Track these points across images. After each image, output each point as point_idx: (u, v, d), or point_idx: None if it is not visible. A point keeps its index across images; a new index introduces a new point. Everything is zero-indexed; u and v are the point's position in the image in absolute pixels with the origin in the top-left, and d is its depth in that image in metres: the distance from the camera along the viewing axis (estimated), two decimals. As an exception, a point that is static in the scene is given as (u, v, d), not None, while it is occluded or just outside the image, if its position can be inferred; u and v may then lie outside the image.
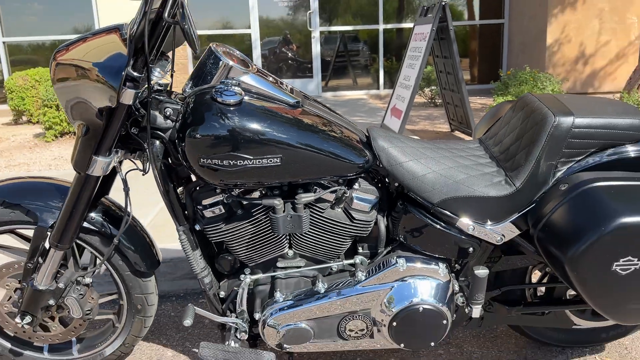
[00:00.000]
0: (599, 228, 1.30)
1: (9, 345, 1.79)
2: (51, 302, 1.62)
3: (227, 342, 1.57)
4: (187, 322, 1.50)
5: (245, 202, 1.52)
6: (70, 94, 1.35)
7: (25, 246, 1.73)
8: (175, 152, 1.48)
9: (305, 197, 1.48)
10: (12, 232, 1.68)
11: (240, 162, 1.37)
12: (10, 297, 1.68)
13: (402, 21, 8.69)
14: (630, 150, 1.49)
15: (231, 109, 1.37)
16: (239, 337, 1.57)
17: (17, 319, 1.62)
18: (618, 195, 1.34)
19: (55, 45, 8.47)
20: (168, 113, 1.45)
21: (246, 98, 1.40)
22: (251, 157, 1.37)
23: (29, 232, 1.74)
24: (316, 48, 8.67)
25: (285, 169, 1.41)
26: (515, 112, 1.65)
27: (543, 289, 1.88)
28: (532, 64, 7.75)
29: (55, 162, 4.54)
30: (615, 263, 1.32)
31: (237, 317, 1.57)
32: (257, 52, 8.60)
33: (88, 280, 1.66)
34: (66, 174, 4.10)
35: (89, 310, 1.67)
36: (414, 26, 5.04)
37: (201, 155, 1.37)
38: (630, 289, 1.36)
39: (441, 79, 5.07)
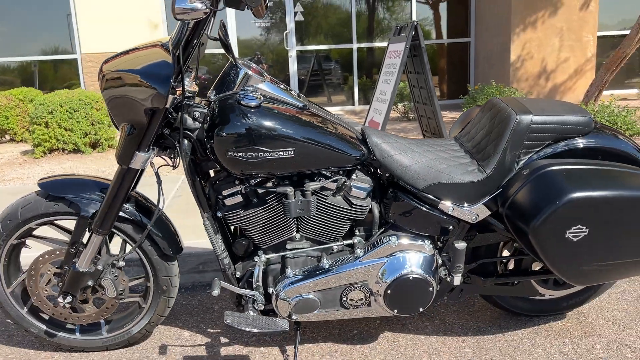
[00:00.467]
0: (554, 202, 1.61)
1: (44, 327, 2.00)
2: (90, 282, 1.85)
3: (225, 313, 1.81)
4: (215, 292, 1.75)
5: (260, 191, 1.78)
6: (118, 99, 1.60)
7: (63, 236, 1.96)
8: (201, 149, 1.74)
9: (313, 185, 1.76)
10: (51, 223, 1.90)
11: (260, 155, 1.64)
12: (50, 281, 1.90)
13: (374, 40, 9.11)
14: (579, 142, 1.82)
15: (252, 110, 1.64)
16: (256, 307, 1.82)
17: (60, 299, 1.85)
18: (568, 177, 1.66)
19: (24, 65, 8.63)
20: (196, 116, 1.72)
21: (264, 102, 1.67)
22: (270, 150, 1.64)
23: (65, 223, 1.97)
24: (293, 67, 9.00)
25: (297, 160, 1.69)
26: (484, 113, 1.97)
27: (512, 263, 2.17)
28: (497, 79, 8.24)
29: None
30: (568, 231, 1.63)
31: (255, 291, 1.82)
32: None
33: (121, 263, 1.90)
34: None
35: (121, 290, 1.90)
36: (388, 44, 5.40)
37: (228, 149, 1.63)
38: (581, 253, 1.67)
39: (414, 93, 5.42)
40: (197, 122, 1.73)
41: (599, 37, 8.47)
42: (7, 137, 7.13)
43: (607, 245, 1.66)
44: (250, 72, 1.72)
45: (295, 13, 8.86)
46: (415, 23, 4.78)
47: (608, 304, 2.25)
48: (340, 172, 1.82)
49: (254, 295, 1.81)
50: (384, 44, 9.08)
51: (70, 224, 1.91)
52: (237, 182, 1.78)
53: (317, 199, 1.80)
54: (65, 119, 5.53)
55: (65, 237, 1.96)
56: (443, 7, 9.17)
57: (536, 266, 2.04)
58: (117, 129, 1.70)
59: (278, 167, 1.69)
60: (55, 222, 1.90)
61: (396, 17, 9.13)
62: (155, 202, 1.89)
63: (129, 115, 1.62)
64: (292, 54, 8.95)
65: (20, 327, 1.99)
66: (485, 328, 2.11)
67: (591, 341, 1.98)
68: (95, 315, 1.95)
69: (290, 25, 8.86)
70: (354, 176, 1.83)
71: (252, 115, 1.64)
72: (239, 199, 1.78)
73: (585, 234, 1.64)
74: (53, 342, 2.00)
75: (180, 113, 1.67)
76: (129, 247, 1.94)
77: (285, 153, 1.66)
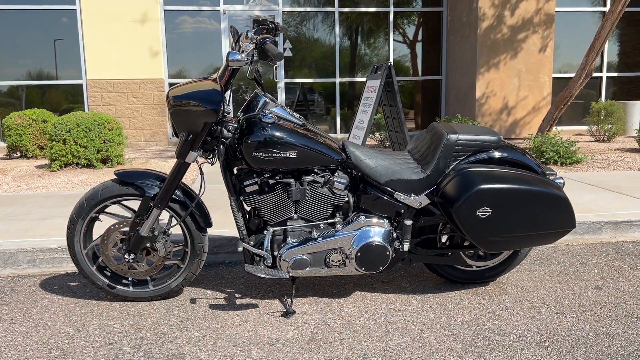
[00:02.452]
0: (468, 191, 2.43)
1: (107, 281, 2.72)
2: (148, 244, 2.60)
3: (246, 264, 2.57)
4: (240, 249, 2.52)
5: (271, 182, 2.57)
6: (182, 114, 2.39)
7: (127, 213, 2.71)
8: (232, 152, 2.54)
9: (308, 178, 2.56)
10: (120, 203, 2.66)
11: (274, 155, 2.44)
12: (116, 245, 2.65)
13: (355, 75, 10.05)
14: (493, 154, 2.65)
15: (269, 126, 2.45)
16: (265, 264, 2.59)
17: (125, 256, 2.59)
18: (479, 175, 2.48)
19: (12, 89, 9.37)
20: (230, 129, 2.51)
21: (277, 120, 2.48)
22: (280, 152, 2.44)
23: (130, 204, 2.73)
24: (281, 97, 9.87)
25: (298, 160, 2.49)
26: (427, 133, 2.80)
27: (448, 241, 2.96)
28: (464, 113, 9.20)
29: (69, 185, 5.42)
30: (478, 211, 2.45)
31: (265, 252, 2.59)
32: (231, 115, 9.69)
33: (169, 232, 2.66)
34: (79, 194, 5.01)
35: (169, 252, 2.65)
36: (366, 80, 6.29)
37: (253, 151, 2.43)
38: (487, 227, 2.48)
39: (388, 123, 6.29)
40: (230, 133, 2.52)
41: (554, 79, 9.53)
42: (18, 153, 7.81)
43: (505, 222, 2.47)
44: (267, 100, 2.53)
45: (285, 49, 9.78)
46: (389, 64, 5.68)
47: (521, 276, 3.06)
48: (326, 170, 2.62)
49: (264, 255, 2.57)
50: (364, 79, 10.02)
51: (132, 204, 2.67)
52: (254, 176, 2.57)
53: (310, 188, 2.60)
54: (81, 137, 6.26)
55: (128, 214, 2.71)
56: (419, 47, 10.19)
57: (465, 243, 2.84)
58: (176, 136, 2.49)
59: (285, 164, 2.48)
60: (123, 202, 2.66)
61: (376, 54, 10.10)
62: (196, 190, 2.66)
63: (188, 125, 2.41)
64: (281, 86, 9.83)
65: (89, 281, 2.71)
66: (429, 290, 2.90)
67: (502, 298, 2.78)
68: (146, 271, 2.69)
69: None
70: (336, 174, 2.63)
71: (269, 129, 2.45)
72: (255, 187, 2.57)
73: (490, 213, 2.45)
74: (112, 293, 2.73)
75: (220, 126, 2.46)
76: (174, 221, 2.70)
77: (291, 154, 2.46)
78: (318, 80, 9.98)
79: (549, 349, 2.24)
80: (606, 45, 10.30)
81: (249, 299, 2.80)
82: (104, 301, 2.78)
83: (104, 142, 6.44)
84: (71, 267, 3.29)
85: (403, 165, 2.66)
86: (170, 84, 9.52)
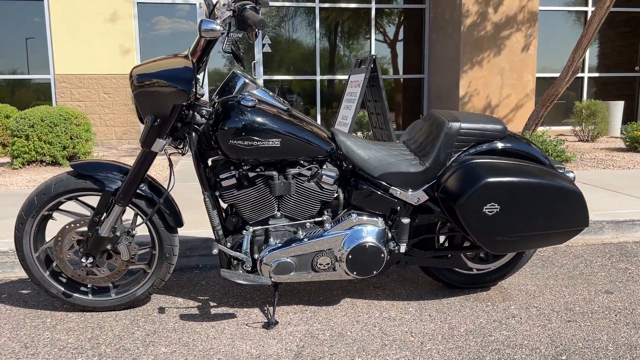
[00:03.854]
0: (474, 185, 2.15)
1: (62, 289, 2.38)
2: (108, 246, 2.26)
3: (222, 269, 2.26)
4: (215, 251, 2.20)
5: (251, 175, 2.26)
6: (148, 96, 2.07)
7: (85, 211, 2.37)
8: (206, 140, 2.22)
9: (293, 170, 2.25)
10: (76, 199, 2.32)
11: (254, 143, 2.13)
12: (72, 247, 2.31)
13: (335, 73, 9.78)
14: (497, 144, 2.38)
15: (249, 109, 2.14)
16: (244, 268, 2.27)
17: (83, 259, 2.25)
18: (485, 168, 2.21)
19: None
20: (203, 113, 2.20)
21: (257, 104, 2.17)
22: (262, 140, 2.14)
23: (88, 200, 2.39)
24: (259, 94, 9.53)
25: (282, 149, 2.18)
26: (425, 121, 2.52)
27: (447, 241, 2.69)
28: (448, 112, 8.98)
29: (31, 183, 5.02)
30: (485, 207, 2.17)
31: (244, 254, 2.27)
32: (205, 98, 9.33)
33: (134, 232, 2.33)
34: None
35: (133, 255, 2.32)
36: (349, 75, 6.01)
37: (230, 138, 2.12)
38: (495, 225, 2.21)
39: (372, 120, 6.02)
40: (203, 119, 2.21)
41: (538, 78, 9.39)
42: (-21, 151, 7.33)
43: (514, 220, 2.20)
44: (247, 81, 2.22)
45: (264, 45, 9.46)
46: (374, 56, 5.41)
47: (524, 280, 2.80)
48: (314, 162, 2.32)
49: (243, 258, 2.26)
50: (345, 77, 9.76)
51: (91, 200, 2.33)
52: (232, 168, 2.26)
53: (297, 182, 2.29)
54: (45, 133, 5.85)
55: (87, 211, 2.37)
56: (400, 45, 9.96)
57: (466, 243, 2.57)
58: (141, 121, 2.16)
59: (267, 154, 2.17)
60: (80, 197, 2.32)
61: (358, 51, 9.85)
62: (163, 185, 2.34)
63: (154, 108, 2.09)
64: (260, 83, 9.48)
65: (42, 288, 2.37)
66: (426, 296, 2.62)
67: (507, 304, 2.51)
68: (107, 277, 2.36)
69: (259, 55, 9.44)
70: (324, 167, 2.34)
71: (248, 113, 2.14)
72: (233, 181, 2.26)
73: (498, 210, 2.18)
74: (69, 302, 2.39)
75: (192, 111, 2.15)
76: (139, 220, 2.37)
77: (273, 143, 2.16)
78: (298, 77, 9.68)
79: (567, 363, 1.97)
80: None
81: (226, 307, 2.48)
82: (58, 312, 2.44)
83: (71, 139, 6.03)
84: (24, 274, 2.92)
85: (399, 157, 2.38)
86: (144, 80, 9.11)
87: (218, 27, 1.97)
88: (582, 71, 10.25)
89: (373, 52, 9.82)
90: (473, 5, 8.57)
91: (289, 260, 2.28)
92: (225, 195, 2.26)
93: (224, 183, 2.25)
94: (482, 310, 2.44)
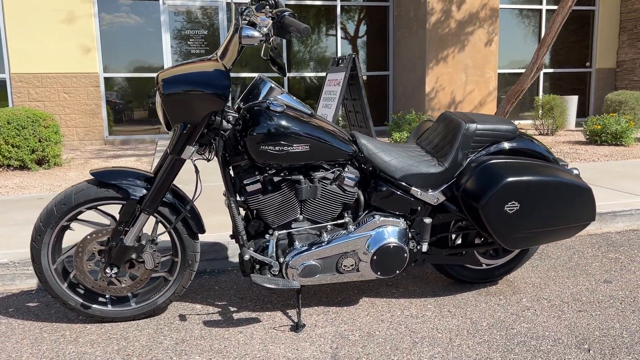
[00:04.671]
0: (496, 185, 2.23)
1: (80, 300, 2.32)
2: (133, 255, 2.22)
3: (252, 275, 2.25)
4: (246, 257, 2.19)
5: (276, 179, 2.26)
6: (179, 103, 2.03)
7: (104, 219, 2.31)
8: (231, 146, 2.20)
9: (319, 174, 2.27)
10: (96, 208, 2.26)
11: (285, 148, 2.14)
12: (93, 257, 2.25)
13: (302, 71, 9.79)
14: (507, 144, 2.48)
15: (278, 114, 2.14)
16: (272, 272, 2.28)
17: (107, 270, 2.20)
18: (505, 168, 2.29)
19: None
20: (229, 119, 2.18)
21: (286, 109, 2.18)
22: (292, 145, 2.14)
23: (106, 208, 2.33)
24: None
25: (310, 154, 2.20)
26: (439, 123, 2.59)
27: (459, 239, 2.77)
28: (413, 108, 9.16)
29: (3, 190, 4.81)
30: (506, 206, 2.26)
31: (272, 259, 2.27)
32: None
33: (158, 240, 2.29)
34: (18, 199, 4.45)
35: (157, 264, 2.28)
36: (327, 74, 6.05)
37: (261, 144, 2.11)
38: (515, 223, 2.30)
39: (351, 118, 6.08)
40: (229, 124, 2.19)
41: (498, 74, 9.69)
42: None
43: (533, 216, 2.30)
44: (273, 86, 2.22)
45: (229, 42, 9.34)
46: (354, 55, 5.46)
47: (527, 273, 2.92)
48: (336, 165, 2.35)
49: (271, 262, 2.26)
50: (313, 74, 9.79)
51: (110, 208, 2.28)
52: (256, 173, 2.26)
53: (321, 186, 2.31)
54: (12, 136, 5.61)
55: (106, 221, 2.31)
56: (365, 43, 10.06)
57: (477, 240, 2.66)
58: (168, 128, 2.13)
59: (296, 158, 2.18)
60: (99, 206, 2.26)
61: (324, 48, 9.88)
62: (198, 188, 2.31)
63: (187, 115, 2.06)
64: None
65: (59, 301, 2.29)
66: (440, 292, 2.69)
67: (519, 297, 2.62)
68: (129, 287, 2.31)
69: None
70: (346, 169, 2.36)
71: (278, 118, 2.14)
72: (258, 186, 2.25)
73: (518, 208, 2.27)
74: (87, 314, 2.32)
75: (219, 117, 2.13)
76: (160, 227, 2.33)
77: (303, 147, 2.17)
78: (264, 74, 9.61)
79: (591, 352, 2.08)
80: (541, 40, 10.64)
81: (247, 312, 2.48)
82: (75, 324, 2.37)
83: (40, 141, 5.81)
84: (26, 285, 2.82)
85: (417, 159, 2.43)
86: (106, 79, 8.85)
87: (257, 35, 1.96)
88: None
89: (339, 50, 9.88)
90: (437, 3, 8.76)
91: (314, 263, 2.30)
92: (251, 200, 2.26)
93: (249, 188, 2.25)
94: (496, 304, 2.54)
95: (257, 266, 2.31)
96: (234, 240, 2.59)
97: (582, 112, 11.02)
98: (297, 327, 2.30)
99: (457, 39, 8.94)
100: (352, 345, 2.16)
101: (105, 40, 8.80)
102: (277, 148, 2.13)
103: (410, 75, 9.37)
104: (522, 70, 10.42)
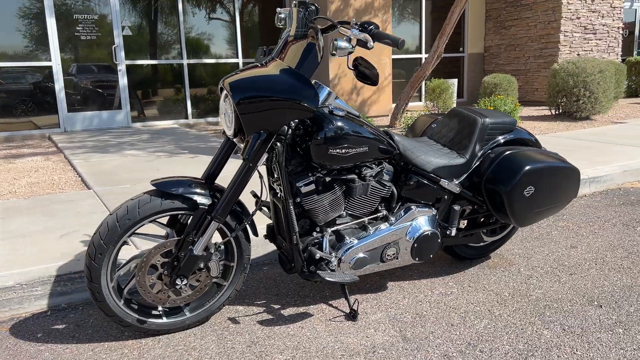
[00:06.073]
0: (518, 173, 2.56)
1: (136, 316, 2.24)
2: (201, 265, 2.20)
3: (319, 271, 2.36)
4: (317, 255, 2.28)
5: (327, 179, 2.37)
6: (261, 111, 2.04)
7: (163, 231, 2.24)
8: (290, 150, 2.27)
9: (368, 172, 2.42)
10: (153, 221, 2.19)
11: (351, 150, 2.25)
12: (155, 271, 2.18)
13: (203, 57, 9.55)
14: (509, 136, 2.82)
15: (340, 118, 2.24)
16: (330, 267, 2.39)
17: (178, 281, 2.16)
18: (521, 157, 2.62)
19: None
20: (291, 124, 2.23)
21: (345, 113, 2.29)
22: (355, 146, 2.26)
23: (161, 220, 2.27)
24: (123, 80, 8.92)
25: (367, 153, 2.33)
26: (450, 118, 2.85)
27: (465, 222, 3.08)
28: (319, 94, 9.42)
29: None
30: (525, 190, 2.60)
31: (330, 255, 2.38)
32: (59, 85, 8.45)
33: (221, 248, 2.28)
34: (-37, 209, 3.97)
35: (221, 271, 2.28)
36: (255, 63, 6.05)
37: (330, 147, 2.20)
38: (529, 205, 2.65)
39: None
40: (290, 130, 2.24)
41: (392, 59, 10.31)
42: None
43: (542, 197, 2.67)
44: (330, 90, 2.31)
45: (123, 27, 8.82)
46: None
47: (507, 247, 3.34)
48: (378, 162, 2.51)
49: (330, 258, 2.37)
50: (212, 61, 9.60)
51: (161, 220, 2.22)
52: (309, 175, 2.34)
53: (369, 183, 2.46)
54: None
55: (163, 231, 2.24)
56: (259, 30, 10.06)
57: (484, 220, 2.99)
58: (236, 136, 2.13)
59: (358, 158, 2.31)
60: (158, 219, 2.19)
61: (219, 37, 9.71)
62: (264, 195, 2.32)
63: (267, 123, 2.08)
64: (121, 68, 8.87)
65: (115, 319, 2.20)
66: (450, 270, 2.99)
67: (516, 268, 3.01)
68: (189, 296, 2.28)
69: (118, 39, 8.78)
70: (383, 165, 2.54)
71: (342, 122, 2.24)
72: (312, 187, 2.34)
73: (533, 191, 2.63)
74: (143, 329, 2.26)
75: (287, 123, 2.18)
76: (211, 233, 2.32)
77: (363, 148, 2.30)
78: (163, 62, 9.24)
79: (603, 307, 2.51)
80: (422, 29, 11.49)
81: (292, 307, 2.57)
82: (124, 340, 2.29)
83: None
84: (36, 308, 2.60)
85: (440, 152, 2.68)
86: (-16, 69, 7.90)
87: (349, 46, 2.04)
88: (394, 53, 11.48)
89: (239, 36, 9.78)
90: (337, -8, 9.05)
91: (364, 255, 2.46)
92: (306, 201, 2.34)
93: (304, 189, 2.33)
94: (502, 276, 2.90)
95: (304, 263, 2.41)
96: (267, 240, 2.64)
97: (459, 94, 12.11)
98: (354, 316, 2.45)
99: (355, 26, 9.32)
100: (412, 326, 2.37)
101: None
102: (343, 151, 2.24)
103: (312, 62, 9.59)
104: (411, 57, 11.20)
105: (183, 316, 2.33)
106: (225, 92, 2.17)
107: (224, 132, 2.35)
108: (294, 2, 2.35)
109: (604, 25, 11.48)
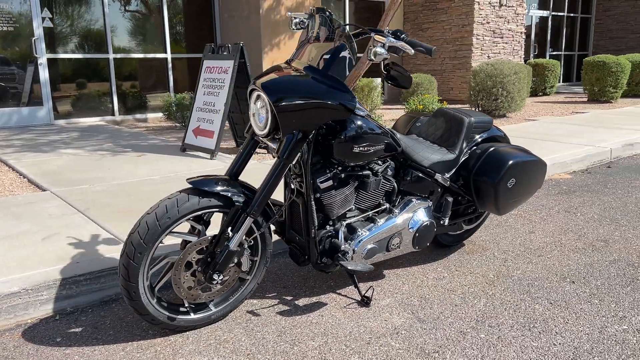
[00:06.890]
0: (504, 167, 2.86)
1: (167, 313, 2.27)
2: (235, 259, 2.26)
3: (341, 262, 2.51)
4: (343, 246, 2.42)
5: (343, 175, 2.52)
6: (300, 112, 2.14)
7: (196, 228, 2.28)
8: (313, 148, 2.40)
9: (380, 168, 2.60)
10: (189, 219, 2.22)
11: (372, 148, 2.42)
12: (191, 268, 2.22)
13: (130, 52, 9.23)
14: (486, 134, 3.12)
15: (363, 119, 2.40)
16: (347, 258, 2.55)
17: (215, 276, 2.21)
18: (504, 152, 2.92)
19: None
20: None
21: (366, 112, 2.45)
22: (376, 144, 2.43)
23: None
24: (44, 74, 8.43)
25: (383, 150, 2.51)
26: (437, 118, 3.10)
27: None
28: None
29: None
30: (508, 182, 2.91)
31: (347, 246, 2.53)
32: None
33: (251, 243, 2.36)
34: None
35: (250, 265, 2.36)
36: (203, 60, 6.01)
37: (354, 145, 2.35)
38: (510, 195, 2.96)
39: (233, 104, 6.17)
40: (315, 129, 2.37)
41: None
42: None
43: (520, 187, 2.99)
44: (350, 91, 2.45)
45: (44, 19, 8.32)
46: (241, 44, 5.59)
47: (480, 234, 3.67)
48: (386, 159, 2.70)
49: (348, 249, 2.53)
50: (141, 55, 9.31)
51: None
52: (327, 171, 2.48)
53: (379, 178, 2.64)
54: None
55: (197, 228, 2.28)
56: (188, 26, 9.90)
57: (465, 211, 3.27)
58: (274, 135, 2.22)
59: (375, 155, 2.48)
60: (191, 218, 2.22)
61: (141, 31, 9.43)
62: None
63: (305, 124, 2.18)
64: (42, 61, 8.38)
65: (146, 318, 2.21)
66: (433, 256, 3.24)
67: (490, 252, 3.33)
68: (217, 291, 2.34)
69: (39, 31, 8.28)
70: (388, 161, 2.73)
71: (364, 122, 2.40)
72: (330, 182, 2.49)
73: (514, 183, 2.94)
74: (173, 326, 2.29)
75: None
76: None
77: (380, 145, 2.48)
78: (88, 56, 8.82)
79: (575, 283, 2.87)
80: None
81: (304, 298, 2.69)
82: (153, 338, 2.30)
83: None
84: (42, 313, 2.52)
85: (432, 148, 2.92)
86: None
87: (384, 52, 2.19)
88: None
89: (167, 31, 9.55)
90: (269, -10, 9.13)
91: (374, 245, 2.64)
92: (325, 196, 2.48)
93: (323, 185, 2.46)
94: (481, 260, 3.21)
95: (318, 255, 2.55)
96: (276, 235, 2.74)
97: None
98: (367, 302, 2.62)
99: (287, 25, 9.45)
100: (422, 309, 2.59)
101: None
102: (366, 148, 2.40)
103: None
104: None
105: (209, 311, 2.39)
106: (256, 93, 2.25)
107: (247, 131, 2.43)
108: (312, 8, 2.48)
109: (509, 30, 12.47)
